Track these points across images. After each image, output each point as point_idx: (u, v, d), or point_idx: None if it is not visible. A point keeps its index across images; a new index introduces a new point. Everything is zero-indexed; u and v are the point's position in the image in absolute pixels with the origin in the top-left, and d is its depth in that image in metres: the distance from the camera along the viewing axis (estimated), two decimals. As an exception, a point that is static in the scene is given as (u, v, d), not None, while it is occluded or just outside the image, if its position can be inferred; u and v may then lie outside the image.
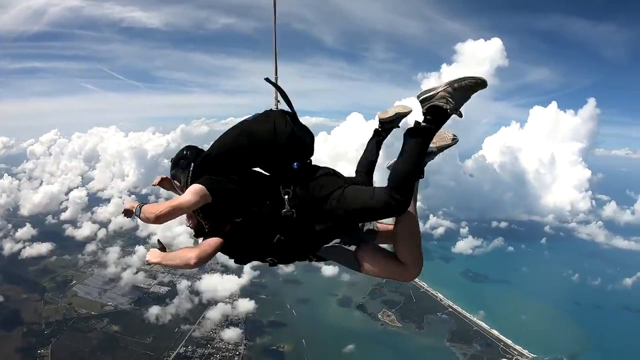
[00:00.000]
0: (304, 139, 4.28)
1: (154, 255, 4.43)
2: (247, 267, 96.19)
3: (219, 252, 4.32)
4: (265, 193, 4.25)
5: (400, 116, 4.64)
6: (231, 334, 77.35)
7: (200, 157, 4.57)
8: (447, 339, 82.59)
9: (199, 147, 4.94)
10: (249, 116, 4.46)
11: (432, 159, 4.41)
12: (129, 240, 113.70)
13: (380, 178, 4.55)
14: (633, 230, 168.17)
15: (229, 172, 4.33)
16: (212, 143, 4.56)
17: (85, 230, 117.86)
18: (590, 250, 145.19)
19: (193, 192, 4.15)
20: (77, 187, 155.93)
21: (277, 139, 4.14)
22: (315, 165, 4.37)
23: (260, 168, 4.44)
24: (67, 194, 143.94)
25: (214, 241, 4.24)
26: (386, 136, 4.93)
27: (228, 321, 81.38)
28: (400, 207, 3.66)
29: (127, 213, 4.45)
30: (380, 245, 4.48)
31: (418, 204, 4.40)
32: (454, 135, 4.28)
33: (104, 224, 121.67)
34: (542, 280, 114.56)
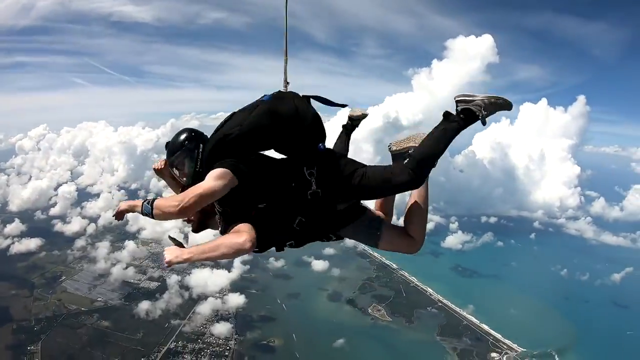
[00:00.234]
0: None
1: (177, 253, 3.84)
2: (237, 262, 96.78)
3: None
4: (289, 175, 4.19)
5: (363, 117, 5.55)
6: (221, 328, 77.28)
7: (214, 139, 4.19)
8: (437, 333, 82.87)
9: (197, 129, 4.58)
10: (263, 96, 4.34)
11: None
12: (119, 235, 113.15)
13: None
14: (621, 226, 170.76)
15: (248, 154, 4.16)
16: (225, 124, 4.24)
17: (74, 225, 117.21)
18: (579, 245, 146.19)
19: (219, 176, 3.88)
20: (66, 182, 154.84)
21: (303, 118, 4.18)
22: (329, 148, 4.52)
23: (282, 149, 4.30)
24: (56, 189, 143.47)
25: (249, 225, 3.96)
26: (352, 131, 5.66)
27: (218, 316, 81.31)
28: (418, 182, 4.18)
29: (119, 215, 3.98)
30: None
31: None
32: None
33: (93, 219, 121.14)
34: (531, 275, 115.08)
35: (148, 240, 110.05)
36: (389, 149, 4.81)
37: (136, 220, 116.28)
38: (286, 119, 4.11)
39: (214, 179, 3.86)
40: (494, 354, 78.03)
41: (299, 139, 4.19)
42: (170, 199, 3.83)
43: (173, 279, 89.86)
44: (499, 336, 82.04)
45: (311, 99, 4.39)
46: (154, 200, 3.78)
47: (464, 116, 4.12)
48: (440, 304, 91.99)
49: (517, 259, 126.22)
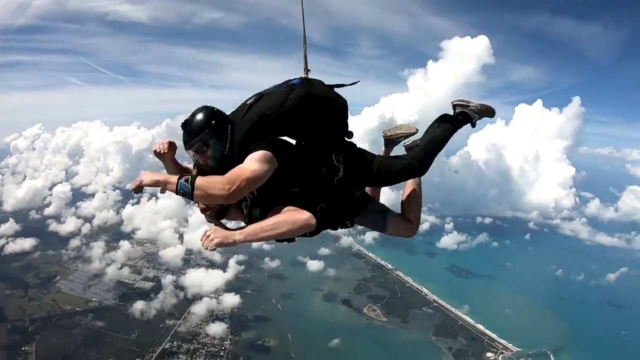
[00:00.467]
0: None
1: (226, 234, 3.66)
2: (232, 262, 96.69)
3: None
4: (320, 160, 4.23)
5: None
6: (217, 328, 77.06)
7: (251, 120, 3.98)
8: (432, 333, 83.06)
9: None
10: (290, 80, 4.34)
11: (398, 144, 5.41)
12: (114, 235, 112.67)
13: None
14: (616, 227, 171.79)
15: (281, 137, 4.13)
16: (253, 106, 4.07)
17: (69, 225, 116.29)
18: (573, 246, 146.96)
19: (264, 159, 3.73)
20: (61, 182, 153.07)
21: (335, 104, 4.29)
22: None
23: (314, 134, 4.26)
24: (50, 189, 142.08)
25: (294, 207, 3.92)
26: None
27: (213, 316, 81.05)
28: (424, 171, 4.71)
29: (138, 189, 3.52)
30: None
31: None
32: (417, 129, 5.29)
33: (88, 219, 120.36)
34: (527, 275, 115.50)
35: (143, 240, 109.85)
36: (383, 135, 5.42)
37: (131, 221, 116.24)
38: (323, 104, 4.18)
39: (259, 162, 3.72)
40: (489, 354, 78.28)
41: (331, 125, 4.29)
42: (215, 180, 3.54)
43: (168, 279, 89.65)
44: (494, 336, 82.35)
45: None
46: (194, 178, 3.45)
47: (462, 118, 4.86)
48: (435, 304, 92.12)
49: (512, 260, 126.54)
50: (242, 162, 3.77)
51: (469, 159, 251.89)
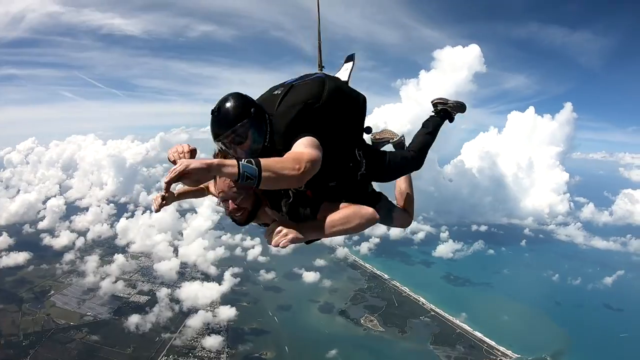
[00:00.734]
0: None
1: (294, 232, 3.45)
2: (227, 275, 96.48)
3: None
4: (348, 155, 4.19)
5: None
6: (213, 341, 76.51)
7: (295, 109, 3.73)
8: (430, 342, 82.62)
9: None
10: (313, 74, 4.23)
11: (384, 146, 5.75)
12: (108, 249, 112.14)
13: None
14: (611, 230, 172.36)
15: (318, 128, 3.78)
16: (285, 97, 3.87)
17: (63, 239, 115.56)
18: (569, 251, 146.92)
19: (314, 144, 3.47)
20: (54, 196, 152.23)
21: (357, 99, 4.33)
22: None
23: (341, 128, 4.10)
24: (44, 202, 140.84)
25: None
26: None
27: (209, 329, 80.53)
28: (421, 163, 5.19)
29: (176, 179, 2.79)
30: None
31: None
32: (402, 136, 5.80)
33: (82, 233, 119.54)
34: (523, 281, 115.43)
35: (137, 253, 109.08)
36: (372, 139, 5.73)
37: (125, 234, 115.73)
38: (350, 97, 4.22)
39: (313, 148, 3.42)
40: (488, 361, 78.15)
41: (356, 119, 4.30)
42: (282, 160, 3.13)
43: (163, 292, 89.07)
44: (493, 343, 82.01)
45: None
46: (257, 159, 2.94)
47: (443, 114, 5.53)
48: (433, 313, 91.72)
49: (508, 266, 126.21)
50: (280, 154, 3.39)
51: (462, 167, 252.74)
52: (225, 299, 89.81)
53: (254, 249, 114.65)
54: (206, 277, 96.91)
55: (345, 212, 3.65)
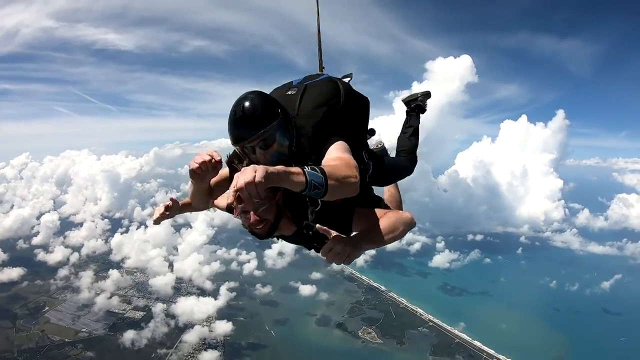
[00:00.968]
0: None
1: (351, 247, 3.13)
2: (223, 289, 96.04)
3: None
4: (359, 157, 3.86)
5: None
6: (209, 357, 75.94)
7: (322, 109, 3.54)
8: (429, 353, 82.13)
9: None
10: (319, 76, 4.09)
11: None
12: (102, 264, 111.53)
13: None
14: (607, 235, 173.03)
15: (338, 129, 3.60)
16: (303, 97, 3.65)
17: (57, 254, 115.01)
18: (566, 257, 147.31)
19: (348, 149, 3.25)
20: (48, 211, 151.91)
21: (365, 101, 4.16)
22: None
23: (356, 129, 3.94)
24: (38, 218, 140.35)
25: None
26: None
27: (206, 344, 79.87)
28: (413, 169, 5.27)
29: (252, 198, 2.28)
30: None
31: None
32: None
33: (76, 249, 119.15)
34: (521, 289, 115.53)
35: (132, 269, 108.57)
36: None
37: (120, 249, 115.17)
38: (359, 98, 4.04)
39: (347, 152, 3.19)
40: (488, 370, 77.99)
41: (365, 120, 4.15)
42: (338, 167, 2.82)
43: (158, 308, 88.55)
44: (492, 352, 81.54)
45: None
46: (319, 166, 2.59)
47: (418, 110, 5.72)
48: (431, 324, 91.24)
49: (505, 275, 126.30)
50: (308, 159, 3.26)
51: (457, 177, 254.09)
52: (222, 314, 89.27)
53: (250, 263, 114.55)
54: (202, 292, 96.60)
55: (390, 219, 3.46)
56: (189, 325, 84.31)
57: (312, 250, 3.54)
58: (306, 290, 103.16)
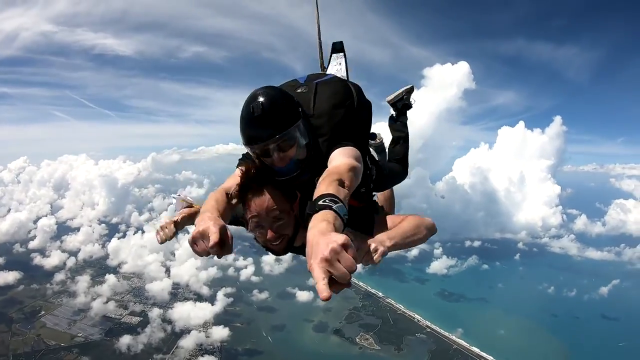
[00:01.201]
0: None
1: (382, 243, 2.91)
2: (220, 295, 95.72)
3: None
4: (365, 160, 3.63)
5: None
6: (206, 363, 75.76)
7: (342, 109, 3.40)
8: (427, 359, 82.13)
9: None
10: (324, 75, 3.94)
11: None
12: (99, 269, 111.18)
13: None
14: (604, 240, 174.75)
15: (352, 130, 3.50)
16: (316, 96, 3.46)
17: (54, 259, 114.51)
18: (564, 263, 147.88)
19: (358, 157, 3.02)
20: (45, 216, 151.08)
21: (367, 103, 3.90)
22: None
23: (364, 132, 3.81)
24: (35, 222, 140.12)
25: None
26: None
27: (202, 350, 79.67)
28: (407, 172, 5.12)
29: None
30: None
31: None
32: None
33: (73, 253, 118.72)
34: (519, 295, 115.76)
35: (129, 274, 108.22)
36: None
37: (117, 254, 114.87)
38: (367, 100, 3.84)
39: (354, 158, 2.94)
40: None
41: (370, 125, 3.99)
42: (350, 180, 2.59)
43: (155, 313, 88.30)
44: (490, 358, 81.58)
45: None
46: (333, 194, 2.29)
47: (404, 109, 5.52)
48: (428, 330, 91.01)
49: (503, 281, 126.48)
50: (324, 161, 3.05)
51: (454, 184, 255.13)
52: (218, 320, 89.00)
53: (247, 269, 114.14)
54: (199, 298, 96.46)
55: (413, 222, 3.40)
56: (185, 331, 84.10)
57: None
58: (303, 296, 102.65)
